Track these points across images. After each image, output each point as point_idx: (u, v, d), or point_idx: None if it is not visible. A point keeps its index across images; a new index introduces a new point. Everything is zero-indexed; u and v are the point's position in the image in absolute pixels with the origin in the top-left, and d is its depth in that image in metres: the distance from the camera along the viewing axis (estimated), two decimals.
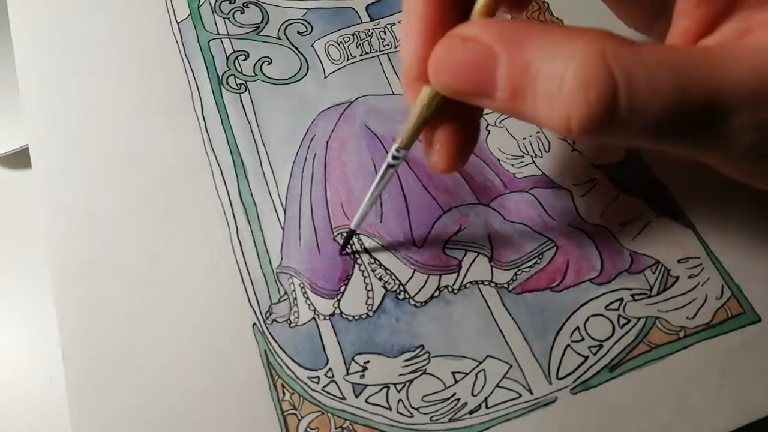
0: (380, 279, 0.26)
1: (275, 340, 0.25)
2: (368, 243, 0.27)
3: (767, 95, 0.15)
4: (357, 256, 0.27)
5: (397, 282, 0.26)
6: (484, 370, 0.25)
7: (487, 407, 0.24)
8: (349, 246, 0.27)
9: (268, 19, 0.33)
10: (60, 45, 0.31)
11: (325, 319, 0.26)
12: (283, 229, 0.27)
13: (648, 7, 0.21)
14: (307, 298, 0.26)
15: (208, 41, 0.32)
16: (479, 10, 0.18)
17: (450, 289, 0.26)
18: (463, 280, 0.26)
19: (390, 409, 0.24)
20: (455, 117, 0.21)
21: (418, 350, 0.25)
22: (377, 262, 0.27)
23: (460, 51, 0.17)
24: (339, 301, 0.26)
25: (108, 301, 0.26)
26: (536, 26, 0.17)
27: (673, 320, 0.26)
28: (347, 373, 0.25)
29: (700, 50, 0.16)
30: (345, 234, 0.27)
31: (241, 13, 0.33)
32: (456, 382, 0.25)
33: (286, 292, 0.26)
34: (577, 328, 0.25)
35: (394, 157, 0.22)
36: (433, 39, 0.19)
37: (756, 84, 0.15)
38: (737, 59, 0.16)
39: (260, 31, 0.32)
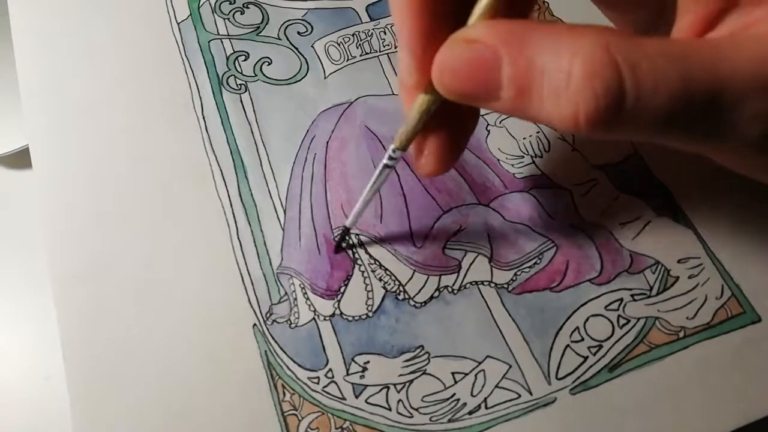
0: (380, 279, 0.26)
1: (275, 341, 0.25)
2: (368, 243, 0.27)
3: None
4: (357, 256, 0.27)
5: (397, 282, 0.26)
6: (483, 370, 0.25)
7: (486, 407, 0.24)
8: (345, 243, 0.27)
9: (268, 19, 0.33)
10: (60, 45, 0.31)
11: (325, 319, 0.26)
12: (283, 229, 0.27)
13: (644, 15, 0.21)
14: (308, 298, 0.26)
15: (208, 41, 0.32)
16: (480, 13, 0.18)
17: (450, 290, 0.26)
18: (462, 281, 0.26)
19: (390, 409, 0.24)
20: (446, 123, 0.21)
21: (418, 351, 0.25)
22: (377, 262, 0.27)
23: (463, 53, 0.17)
24: (339, 301, 0.26)
25: (108, 301, 0.26)
26: (539, 25, 0.17)
27: (672, 320, 0.26)
28: (347, 374, 0.25)
29: (703, 41, 0.16)
30: (340, 231, 0.27)
31: (241, 14, 0.33)
32: (456, 382, 0.25)
33: (286, 293, 0.26)
34: (577, 328, 0.25)
35: (391, 158, 0.22)
36: (427, 47, 0.19)
37: (761, 73, 0.15)
38: (741, 49, 0.16)
39: (260, 32, 0.32)
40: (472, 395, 0.24)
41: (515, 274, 0.27)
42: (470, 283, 0.26)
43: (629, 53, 0.15)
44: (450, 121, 0.21)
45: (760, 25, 0.17)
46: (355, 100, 0.31)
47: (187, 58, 0.31)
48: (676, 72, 0.15)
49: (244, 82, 0.31)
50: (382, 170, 0.23)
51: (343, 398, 0.24)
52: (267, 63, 0.31)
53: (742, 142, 0.17)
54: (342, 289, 0.26)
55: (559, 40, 0.16)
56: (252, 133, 0.30)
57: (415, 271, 0.27)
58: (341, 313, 0.26)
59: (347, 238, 0.27)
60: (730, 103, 0.16)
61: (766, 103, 0.16)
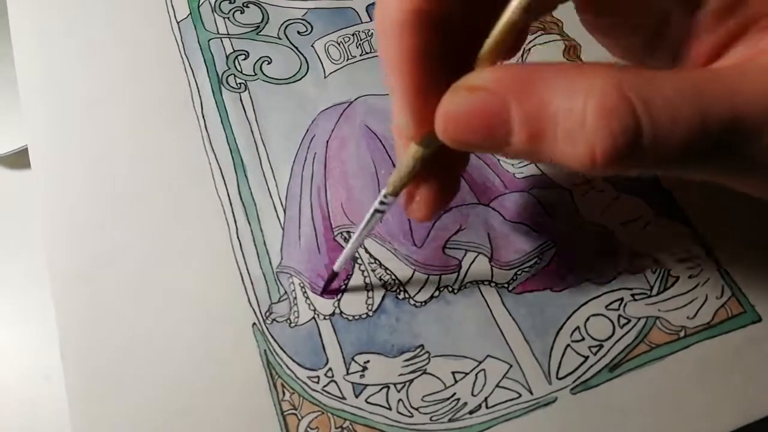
0: (380, 279, 0.26)
1: (275, 340, 0.25)
2: (368, 243, 0.27)
3: None
4: (357, 255, 0.27)
5: (397, 282, 0.26)
6: (484, 370, 0.25)
7: (487, 407, 0.24)
8: (332, 287, 0.26)
9: (268, 18, 0.33)
10: (59, 45, 0.31)
11: (325, 318, 0.26)
12: (282, 228, 0.27)
13: (639, 41, 0.21)
14: (307, 297, 0.26)
15: (208, 41, 0.32)
16: (484, 58, 0.17)
17: (450, 289, 0.26)
18: (463, 280, 0.26)
19: (390, 409, 0.24)
20: (437, 171, 0.21)
21: (418, 350, 0.25)
22: (377, 261, 0.27)
23: (467, 101, 0.17)
24: (339, 300, 0.26)
25: (107, 301, 0.26)
26: (545, 66, 0.16)
27: (673, 320, 0.26)
28: (347, 373, 0.25)
29: (713, 72, 0.16)
30: (328, 275, 0.26)
31: (241, 13, 0.33)
32: (456, 382, 0.25)
33: (285, 292, 0.26)
34: (578, 327, 0.25)
35: (382, 203, 0.22)
36: (424, 100, 0.18)
37: None
38: (753, 78, 0.16)
39: (260, 31, 0.32)
40: (472, 395, 0.24)
41: (516, 274, 0.26)
42: (470, 282, 0.26)
43: (642, 90, 0.15)
44: (441, 166, 0.21)
45: (766, 56, 0.16)
46: (355, 99, 0.31)
47: (187, 57, 0.31)
48: (691, 106, 0.15)
49: (243, 81, 0.31)
50: (373, 215, 0.22)
51: (343, 398, 0.24)
52: (267, 62, 0.31)
53: (761, 171, 0.16)
54: (342, 288, 0.26)
55: (570, 80, 0.16)
56: (252, 132, 0.29)
57: (415, 270, 0.27)
58: (341, 312, 0.26)
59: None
60: (747, 135, 0.15)
61: None
